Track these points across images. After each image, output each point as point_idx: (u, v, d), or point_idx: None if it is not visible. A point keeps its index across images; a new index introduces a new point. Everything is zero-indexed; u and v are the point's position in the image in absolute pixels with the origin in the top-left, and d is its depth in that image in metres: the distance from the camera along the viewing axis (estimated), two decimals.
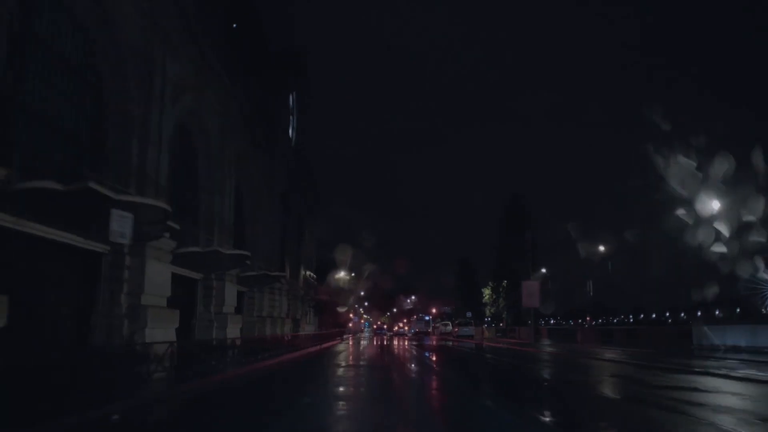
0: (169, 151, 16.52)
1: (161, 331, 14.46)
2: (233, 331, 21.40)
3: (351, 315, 77.75)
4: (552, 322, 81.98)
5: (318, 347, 31.25)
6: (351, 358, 23.33)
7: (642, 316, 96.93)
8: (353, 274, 73.25)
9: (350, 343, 42.31)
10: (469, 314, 58.55)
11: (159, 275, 14.59)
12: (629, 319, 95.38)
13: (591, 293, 30.97)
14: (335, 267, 63.31)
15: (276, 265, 29.26)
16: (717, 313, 56.74)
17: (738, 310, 53.32)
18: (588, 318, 46.75)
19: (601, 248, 31.74)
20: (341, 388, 11.52)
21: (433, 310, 76.42)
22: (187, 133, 19.66)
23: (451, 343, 38.82)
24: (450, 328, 60.32)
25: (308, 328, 44.29)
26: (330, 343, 37.45)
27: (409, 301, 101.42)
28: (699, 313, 50.93)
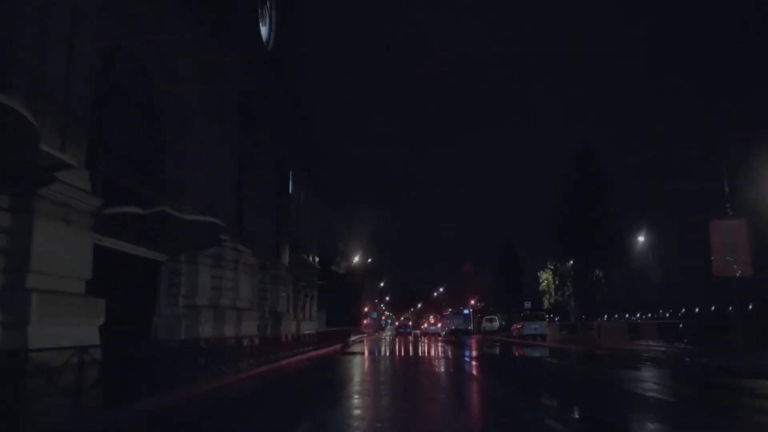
0: None
1: None
2: (52, 336, 8.84)
3: (367, 310, 65.04)
4: (616, 316, 62.29)
5: (291, 359, 19.01)
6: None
7: (684, 310, 78.96)
8: (370, 260, 60.78)
9: (365, 348, 29.92)
10: (527, 304, 44.71)
11: None
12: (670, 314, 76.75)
13: None
14: (348, 257, 52.01)
15: (223, 216, 16.63)
16: None
17: None
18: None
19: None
20: None
21: (472, 302, 63.27)
22: None
23: (498, 347, 26.23)
24: (496, 324, 47.42)
25: (307, 326, 32.45)
26: (330, 349, 25.46)
27: (436, 294, 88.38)
28: None
